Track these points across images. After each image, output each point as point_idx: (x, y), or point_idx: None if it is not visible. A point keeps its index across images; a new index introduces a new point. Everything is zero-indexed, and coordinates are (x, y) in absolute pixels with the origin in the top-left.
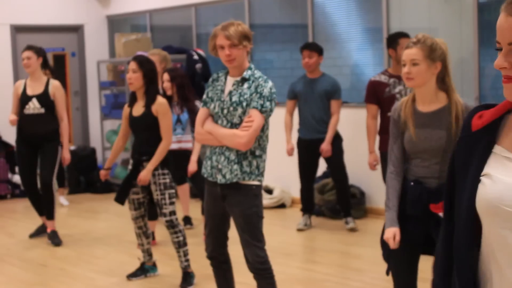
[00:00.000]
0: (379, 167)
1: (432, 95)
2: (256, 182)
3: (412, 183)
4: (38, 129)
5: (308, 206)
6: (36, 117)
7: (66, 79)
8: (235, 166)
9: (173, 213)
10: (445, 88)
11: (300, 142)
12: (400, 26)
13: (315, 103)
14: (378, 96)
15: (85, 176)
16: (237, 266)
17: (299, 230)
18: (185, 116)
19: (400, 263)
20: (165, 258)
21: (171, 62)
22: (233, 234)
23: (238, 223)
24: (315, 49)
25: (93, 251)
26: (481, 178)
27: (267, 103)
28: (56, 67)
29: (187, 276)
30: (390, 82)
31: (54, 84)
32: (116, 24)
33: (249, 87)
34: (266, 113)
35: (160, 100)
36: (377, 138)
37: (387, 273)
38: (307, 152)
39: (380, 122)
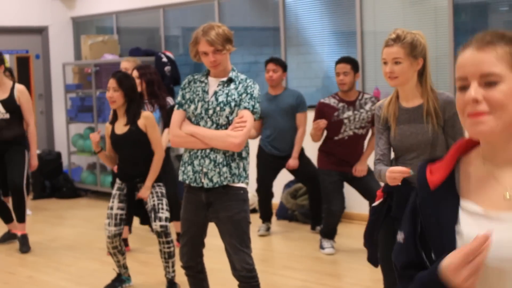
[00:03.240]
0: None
1: (414, 90)
2: (244, 185)
3: (400, 183)
4: (3, 133)
5: (268, 214)
6: (1, 122)
7: (30, 82)
8: (224, 169)
9: (168, 219)
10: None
11: (264, 155)
12: (374, 29)
13: (281, 118)
14: (325, 119)
15: (50, 181)
16: (214, 274)
17: (262, 236)
18: (157, 114)
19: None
20: (137, 266)
21: None
22: (208, 241)
23: (225, 229)
24: (281, 64)
25: (62, 258)
26: (457, 236)
27: (257, 104)
28: (20, 69)
29: (173, 286)
30: (339, 106)
31: (19, 88)
32: (81, 26)
33: (236, 88)
34: (256, 114)
35: (146, 113)
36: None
37: (371, 261)
38: (270, 166)
39: (322, 142)
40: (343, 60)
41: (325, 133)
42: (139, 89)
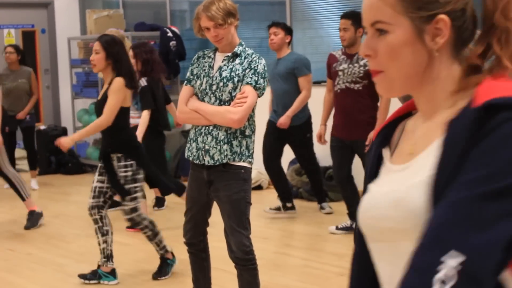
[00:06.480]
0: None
1: None
2: (246, 164)
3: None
4: None
5: (286, 194)
6: None
7: (36, 57)
8: (225, 146)
9: (134, 210)
10: None
11: (270, 125)
12: None
13: (279, 83)
14: (330, 70)
15: (56, 157)
16: (214, 252)
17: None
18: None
19: None
20: (139, 243)
21: (129, 41)
22: (212, 219)
23: (224, 209)
24: (282, 26)
25: (63, 234)
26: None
27: (261, 80)
28: (25, 44)
29: (164, 264)
30: (340, 58)
31: None
32: (87, 0)
33: (241, 63)
34: (259, 90)
35: (116, 78)
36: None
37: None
38: (274, 136)
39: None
40: (344, 15)
41: None
42: (134, 68)
